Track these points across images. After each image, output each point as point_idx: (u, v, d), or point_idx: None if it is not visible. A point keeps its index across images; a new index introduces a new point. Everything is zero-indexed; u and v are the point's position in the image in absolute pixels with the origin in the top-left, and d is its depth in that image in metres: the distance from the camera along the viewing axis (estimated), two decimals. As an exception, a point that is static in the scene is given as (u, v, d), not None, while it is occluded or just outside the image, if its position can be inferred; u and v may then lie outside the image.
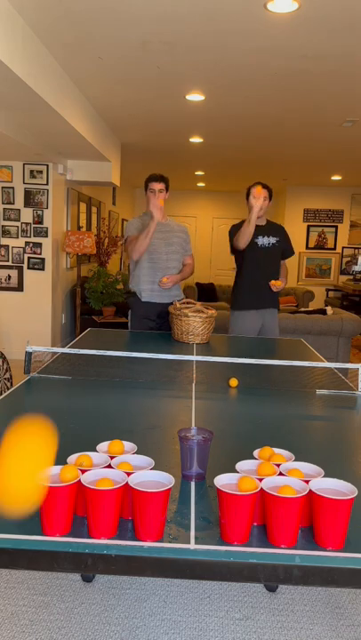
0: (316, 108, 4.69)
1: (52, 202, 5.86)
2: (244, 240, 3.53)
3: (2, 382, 3.87)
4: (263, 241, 3.64)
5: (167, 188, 3.40)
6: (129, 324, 3.52)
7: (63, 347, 6.14)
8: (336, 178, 8.94)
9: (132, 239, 3.40)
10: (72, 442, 1.46)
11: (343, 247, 10.37)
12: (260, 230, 3.65)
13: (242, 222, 3.74)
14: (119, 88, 4.27)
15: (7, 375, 3.97)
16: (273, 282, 3.55)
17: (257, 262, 3.61)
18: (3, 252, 5.96)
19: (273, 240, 3.66)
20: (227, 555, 0.96)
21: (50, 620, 1.99)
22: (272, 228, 3.71)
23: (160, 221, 3.41)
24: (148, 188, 3.39)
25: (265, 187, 3.56)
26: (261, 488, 1.00)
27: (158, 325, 3.44)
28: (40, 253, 5.92)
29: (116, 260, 9.87)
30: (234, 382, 2.15)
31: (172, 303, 3.40)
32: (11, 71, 2.96)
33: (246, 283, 3.65)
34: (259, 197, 3.42)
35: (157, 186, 3.35)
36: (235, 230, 3.64)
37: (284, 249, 3.76)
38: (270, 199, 3.61)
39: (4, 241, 5.95)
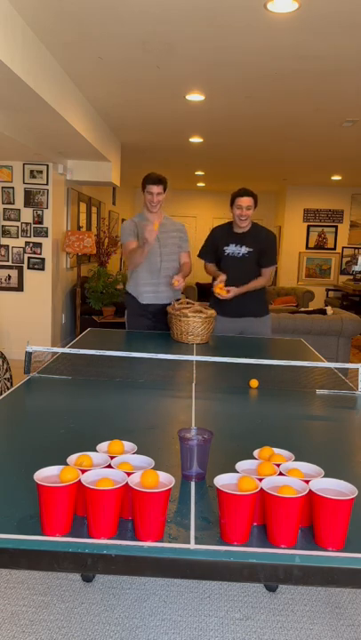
0: (315, 108, 4.69)
1: (52, 202, 5.86)
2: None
3: (2, 382, 3.87)
4: (233, 250, 3.45)
5: (165, 189, 3.32)
6: (126, 323, 3.53)
7: (63, 347, 6.14)
8: (336, 178, 8.94)
9: (128, 246, 3.36)
10: (72, 442, 1.46)
11: (343, 247, 10.37)
12: (233, 238, 3.45)
13: (224, 225, 3.56)
14: (119, 88, 4.27)
15: (7, 375, 3.97)
16: (218, 287, 3.30)
17: (226, 271, 3.41)
18: (3, 252, 5.96)
19: (245, 250, 3.43)
20: (227, 555, 0.96)
21: (50, 620, 1.99)
22: (251, 237, 3.45)
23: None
24: (145, 189, 3.31)
25: (250, 194, 3.35)
26: (261, 488, 1.00)
27: (154, 323, 3.44)
28: (40, 253, 5.92)
29: (116, 260, 9.87)
30: (254, 383, 2.14)
31: (169, 304, 3.38)
32: (11, 71, 2.96)
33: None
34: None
35: (155, 189, 3.27)
36: (209, 243, 3.55)
37: (260, 259, 3.46)
38: (255, 206, 3.38)
39: (4, 241, 5.95)
